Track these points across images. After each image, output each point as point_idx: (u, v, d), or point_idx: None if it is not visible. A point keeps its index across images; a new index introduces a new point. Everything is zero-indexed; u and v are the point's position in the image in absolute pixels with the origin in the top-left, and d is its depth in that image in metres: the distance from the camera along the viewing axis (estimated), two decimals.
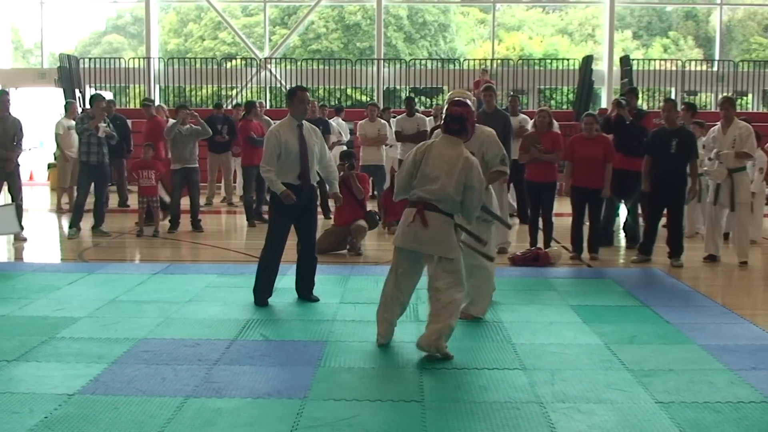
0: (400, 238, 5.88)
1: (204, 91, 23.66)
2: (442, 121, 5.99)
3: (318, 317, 6.77)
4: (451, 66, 23.17)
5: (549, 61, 23.79)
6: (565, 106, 22.92)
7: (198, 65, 22.71)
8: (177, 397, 4.80)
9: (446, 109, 6.01)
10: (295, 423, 4.43)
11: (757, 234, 10.95)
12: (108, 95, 18.26)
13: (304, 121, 7.30)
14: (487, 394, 4.90)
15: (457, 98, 6.14)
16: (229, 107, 16.45)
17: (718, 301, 7.55)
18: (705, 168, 10.05)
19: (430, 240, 5.71)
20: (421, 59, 24.36)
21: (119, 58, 23.68)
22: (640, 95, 21.73)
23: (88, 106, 13.46)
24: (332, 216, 11.44)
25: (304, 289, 7.51)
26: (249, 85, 22.77)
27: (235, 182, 15.84)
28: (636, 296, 7.65)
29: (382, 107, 16.35)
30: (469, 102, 6.15)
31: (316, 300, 7.42)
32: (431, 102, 23.05)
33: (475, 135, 6.47)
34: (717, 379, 5.22)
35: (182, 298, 7.40)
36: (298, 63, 23.19)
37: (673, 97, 22.55)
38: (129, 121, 15.21)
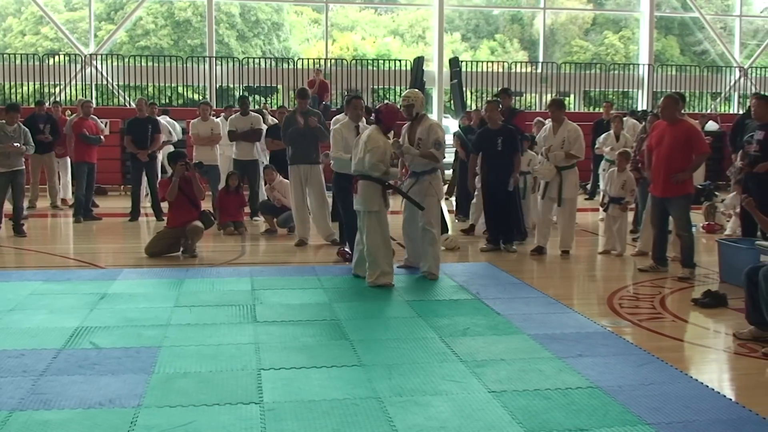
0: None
1: (25, 88, 22.50)
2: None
3: (151, 322, 6.57)
4: (286, 65, 23.11)
5: (382, 61, 24.13)
6: (398, 106, 23.31)
7: (18, 61, 21.62)
8: (2, 411, 4.54)
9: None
10: None
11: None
12: None
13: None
14: (326, 392, 4.92)
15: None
16: (49, 105, 15.71)
17: (546, 292, 7.89)
18: (536, 166, 10.56)
19: (359, 200, 8.01)
20: (254, 58, 24.12)
21: None
22: (468, 96, 22.50)
23: None
24: (164, 218, 11.16)
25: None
26: (73, 82, 21.87)
27: (59, 184, 15.21)
28: (468, 290, 7.89)
29: (214, 106, 16.10)
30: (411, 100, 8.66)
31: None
32: (266, 101, 22.89)
33: (424, 123, 8.56)
34: (546, 367, 5.45)
35: (4, 307, 7.00)
36: (126, 60, 22.47)
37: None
38: None
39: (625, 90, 25.63)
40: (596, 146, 13.98)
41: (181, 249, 9.84)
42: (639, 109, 22.36)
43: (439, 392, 4.95)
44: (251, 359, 5.59)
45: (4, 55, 22.15)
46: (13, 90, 22.24)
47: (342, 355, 5.73)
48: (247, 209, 12.73)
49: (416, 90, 9.18)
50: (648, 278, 8.73)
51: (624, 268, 9.51)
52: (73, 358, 5.60)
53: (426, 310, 7.09)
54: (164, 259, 9.63)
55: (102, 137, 13.64)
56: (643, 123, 12.11)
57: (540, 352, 5.82)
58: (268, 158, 13.01)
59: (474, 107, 19.84)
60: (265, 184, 12.32)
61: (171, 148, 13.44)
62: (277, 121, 13.32)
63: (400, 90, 23.39)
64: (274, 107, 17.79)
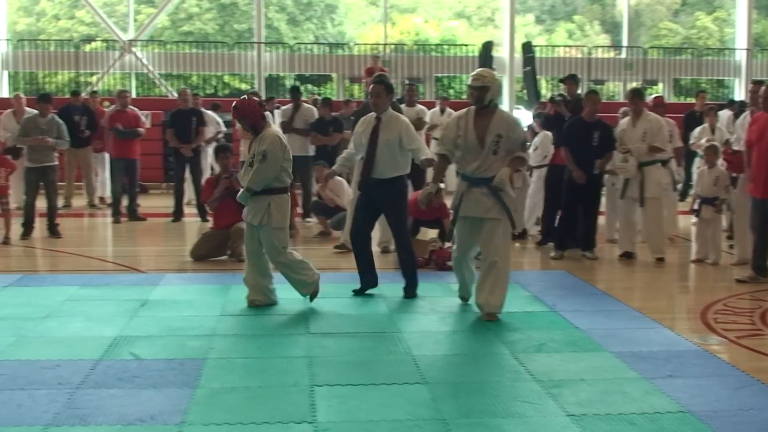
0: None
1: (60, 77, 22.99)
2: None
3: (195, 332, 6.66)
4: (340, 51, 23.25)
5: (446, 47, 24.13)
6: (464, 96, 23.28)
7: (52, 48, 22.12)
8: (35, 426, 4.64)
9: None
10: None
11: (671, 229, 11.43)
12: None
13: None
14: (386, 412, 4.92)
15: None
16: (85, 95, 16.05)
17: (631, 305, 7.79)
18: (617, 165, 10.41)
19: None
20: (306, 44, 24.35)
21: None
22: (543, 84, 22.34)
23: None
24: (209, 218, 11.30)
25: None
26: (111, 70, 22.26)
27: (97, 180, 15.51)
28: (544, 301, 7.83)
29: (264, 96, 16.24)
30: None
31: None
32: (318, 91, 23.03)
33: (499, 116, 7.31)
34: (631, 389, 5.38)
35: (39, 314, 7.16)
36: (168, 46, 22.84)
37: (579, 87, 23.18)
38: None
39: (720, 78, 25.20)
40: (691, 141, 13.76)
41: (228, 252, 9.94)
42: (736, 99, 21.96)
43: (510, 414, 4.92)
44: (304, 374, 5.62)
45: (37, 42, 22.67)
46: (47, 79, 22.76)
47: (403, 371, 5.73)
48: (299, 209, 12.81)
49: (490, 70, 7.86)
50: (747, 290, 8.57)
51: (719, 279, 9.35)
52: (111, 369, 5.69)
53: (496, 323, 7.05)
54: (210, 263, 9.74)
55: (140, 130, 13.83)
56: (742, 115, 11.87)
57: (624, 372, 5.75)
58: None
59: (549, 97, 19.68)
60: (317, 182, 12.37)
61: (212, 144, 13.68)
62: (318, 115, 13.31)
63: (467, 79, 23.33)
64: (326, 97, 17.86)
